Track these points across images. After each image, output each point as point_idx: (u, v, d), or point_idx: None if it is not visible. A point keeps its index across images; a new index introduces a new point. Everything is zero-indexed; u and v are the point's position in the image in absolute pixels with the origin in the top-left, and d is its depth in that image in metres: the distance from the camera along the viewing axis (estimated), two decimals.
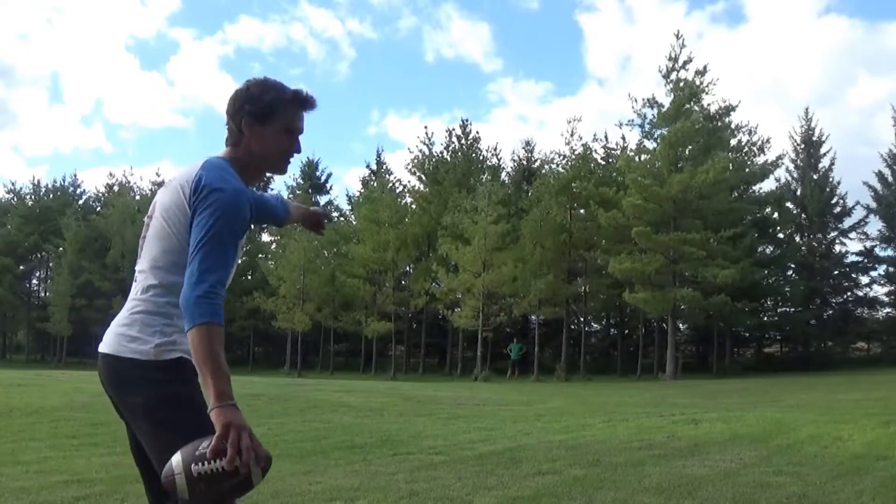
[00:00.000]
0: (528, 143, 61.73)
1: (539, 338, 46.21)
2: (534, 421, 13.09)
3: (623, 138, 48.40)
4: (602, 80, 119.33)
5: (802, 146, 50.46)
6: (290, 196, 62.16)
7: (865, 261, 49.47)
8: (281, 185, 74.78)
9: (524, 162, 59.85)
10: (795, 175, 50.53)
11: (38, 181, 71.04)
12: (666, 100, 40.65)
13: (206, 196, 2.71)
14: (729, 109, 42.67)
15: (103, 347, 2.90)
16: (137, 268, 2.96)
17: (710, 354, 48.78)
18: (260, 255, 61.00)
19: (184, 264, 2.68)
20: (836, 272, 49.97)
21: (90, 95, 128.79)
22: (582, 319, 52.40)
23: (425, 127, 70.14)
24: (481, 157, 56.35)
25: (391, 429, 11.50)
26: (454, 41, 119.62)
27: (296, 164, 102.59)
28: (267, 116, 2.95)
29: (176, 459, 2.53)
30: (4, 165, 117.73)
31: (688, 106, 39.87)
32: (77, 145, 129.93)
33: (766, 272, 46.25)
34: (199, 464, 2.50)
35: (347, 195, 65.69)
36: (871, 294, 50.37)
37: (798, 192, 50.02)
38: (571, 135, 45.72)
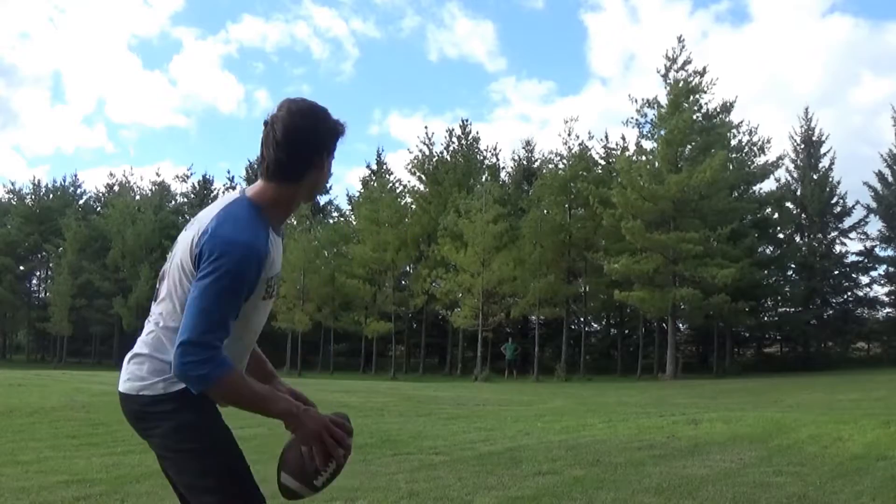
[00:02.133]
0: (528, 143, 61.80)
1: (539, 338, 46.20)
2: (534, 421, 13.08)
3: (623, 138, 48.40)
4: (606, 80, 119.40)
5: (802, 146, 50.44)
6: None
7: (865, 261, 49.43)
8: None
9: (524, 162, 59.91)
10: (795, 175, 50.51)
11: (39, 181, 70.97)
12: (665, 100, 40.65)
13: (209, 250, 2.61)
14: (727, 107, 42.71)
15: (120, 386, 2.85)
16: (153, 305, 2.86)
17: (711, 354, 48.76)
18: None
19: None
20: (836, 272, 49.92)
21: (92, 95, 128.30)
22: (582, 319, 52.43)
23: (425, 127, 70.25)
24: (481, 158, 56.37)
25: (391, 429, 11.50)
26: (458, 40, 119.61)
27: None
28: (334, 149, 2.88)
29: (294, 484, 2.80)
30: (6, 165, 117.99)
31: (686, 104, 39.87)
32: (79, 145, 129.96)
33: (766, 272, 46.28)
34: (318, 478, 2.78)
35: (347, 195, 65.77)
36: (872, 294, 50.39)
37: (798, 192, 49.99)
38: (569, 135, 45.76)
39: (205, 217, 2.75)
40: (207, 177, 68.46)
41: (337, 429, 2.77)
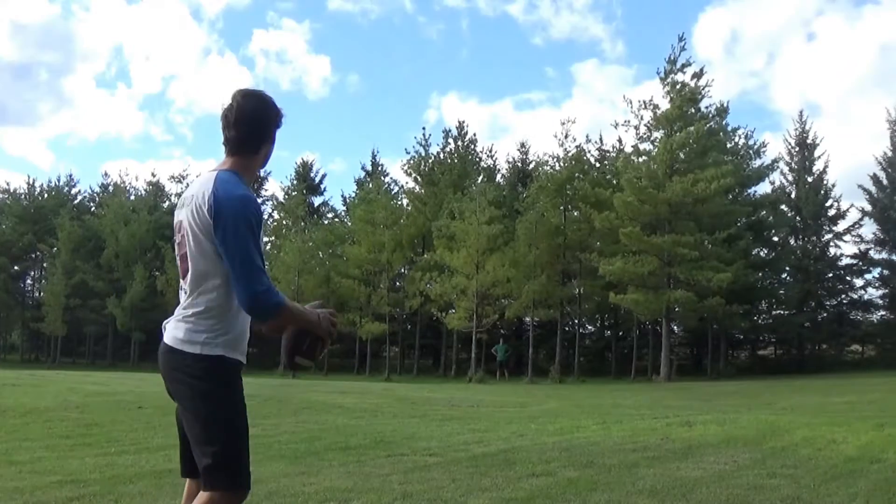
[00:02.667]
0: (522, 145, 61.89)
1: (533, 339, 46.16)
2: (528, 423, 13.09)
3: (619, 140, 48.41)
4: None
5: (797, 149, 50.57)
6: (286, 197, 62.20)
7: (860, 263, 49.51)
8: (275, 187, 75.08)
9: (519, 164, 60.00)
10: (790, 178, 50.62)
11: (33, 181, 70.83)
12: (663, 102, 40.58)
13: (222, 211, 3.24)
14: (723, 110, 42.74)
15: (165, 339, 3.45)
16: (183, 281, 3.44)
17: (705, 357, 48.78)
18: None
19: (220, 277, 3.31)
20: (830, 275, 49.98)
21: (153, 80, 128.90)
22: (576, 321, 52.38)
23: (423, 128, 70.28)
24: (477, 159, 56.43)
25: (385, 430, 11.50)
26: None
27: (290, 165, 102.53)
28: (279, 126, 3.62)
29: (306, 362, 3.66)
30: (57, 152, 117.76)
31: (686, 109, 39.79)
32: (134, 132, 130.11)
33: (760, 275, 46.31)
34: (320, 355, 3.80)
35: (343, 196, 65.77)
36: (866, 297, 50.47)
37: (793, 195, 50.09)
38: (566, 137, 45.71)
39: (199, 190, 3.37)
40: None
41: (333, 319, 3.63)
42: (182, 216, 3.41)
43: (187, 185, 68.81)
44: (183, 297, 3.42)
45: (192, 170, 68.70)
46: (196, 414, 3.33)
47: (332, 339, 3.69)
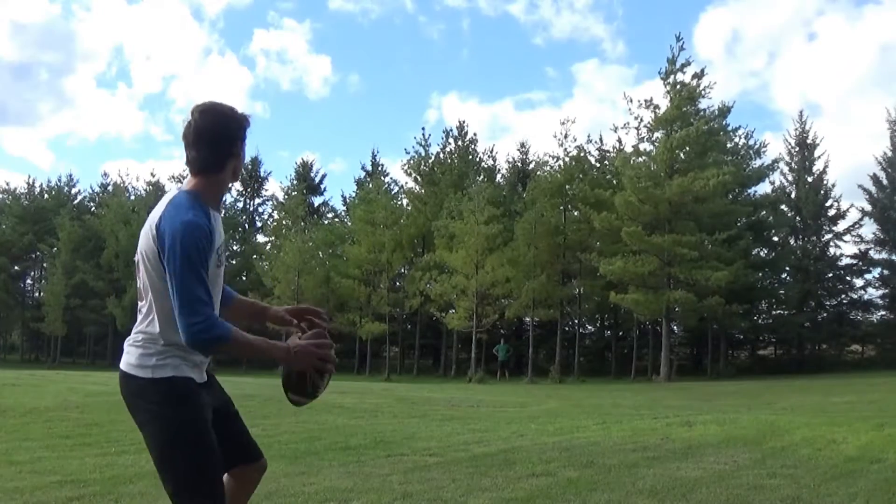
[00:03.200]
0: (522, 145, 61.89)
1: (533, 339, 46.15)
2: (528, 423, 13.09)
3: (619, 141, 48.39)
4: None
5: (797, 149, 50.55)
6: (286, 197, 62.18)
7: (860, 263, 49.48)
8: (275, 187, 75.06)
9: (518, 164, 60.01)
10: (790, 178, 50.61)
11: (34, 181, 70.88)
12: (663, 101, 40.54)
13: (164, 239, 3.11)
14: (725, 112, 42.68)
15: (121, 364, 3.36)
16: (139, 302, 3.36)
17: (705, 357, 48.81)
18: (254, 256, 60.99)
19: (169, 300, 3.13)
20: (830, 275, 49.94)
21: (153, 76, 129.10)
22: (576, 321, 52.38)
23: (422, 128, 70.28)
24: (478, 160, 56.43)
25: (385, 430, 11.50)
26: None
27: (290, 165, 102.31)
28: (245, 137, 3.42)
29: (301, 399, 3.63)
30: (59, 153, 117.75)
31: (686, 109, 39.78)
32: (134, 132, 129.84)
33: (760, 275, 46.31)
34: (318, 391, 3.63)
35: (343, 196, 65.82)
36: (866, 297, 50.42)
37: (793, 195, 50.08)
38: (565, 137, 45.69)
39: (154, 213, 3.25)
40: None
41: (323, 351, 3.42)
42: (140, 242, 3.29)
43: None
44: (138, 318, 3.33)
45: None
46: (154, 438, 3.24)
47: (326, 370, 3.49)
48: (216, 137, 3.29)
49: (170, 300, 3.10)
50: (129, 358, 3.28)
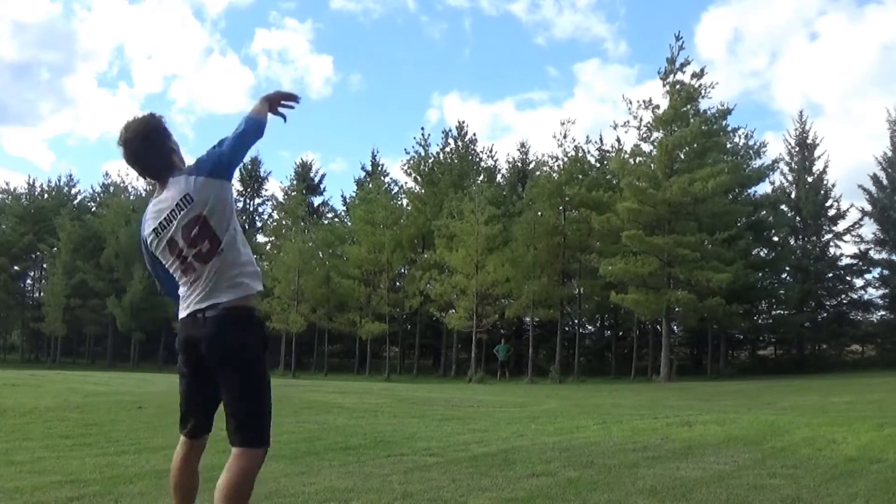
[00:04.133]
0: (522, 145, 61.93)
1: (533, 339, 46.16)
2: (528, 423, 13.08)
3: (618, 140, 48.33)
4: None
5: (797, 149, 50.56)
6: (286, 197, 62.19)
7: (860, 263, 49.47)
8: (275, 187, 75.08)
9: (518, 164, 60.05)
10: (790, 178, 50.63)
11: (34, 181, 70.85)
12: (663, 101, 40.48)
13: (222, 165, 4.11)
14: (725, 113, 42.63)
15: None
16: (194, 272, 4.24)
17: (705, 357, 48.82)
18: (254, 256, 60.87)
19: None
20: (830, 275, 49.94)
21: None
22: (576, 321, 52.41)
23: (422, 128, 70.26)
24: (477, 159, 56.42)
25: (385, 430, 11.49)
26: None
27: (290, 165, 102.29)
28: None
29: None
30: (60, 152, 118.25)
31: (685, 109, 39.74)
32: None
33: (760, 275, 46.31)
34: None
35: (342, 196, 65.79)
36: (866, 297, 50.38)
37: (793, 195, 50.08)
38: (564, 137, 45.65)
39: (184, 187, 4.10)
40: None
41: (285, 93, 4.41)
42: (185, 207, 4.12)
43: None
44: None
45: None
46: None
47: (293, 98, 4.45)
48: (158, 143, 4.14)
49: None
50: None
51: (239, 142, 4.07)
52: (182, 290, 4.20)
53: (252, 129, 4.13)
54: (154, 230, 4.12)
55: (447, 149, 55.72)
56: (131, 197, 65.69)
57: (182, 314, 4.17)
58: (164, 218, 4.07)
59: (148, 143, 4.10)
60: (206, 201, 4.00)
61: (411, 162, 55.02)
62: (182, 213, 4.01)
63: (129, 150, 4.10)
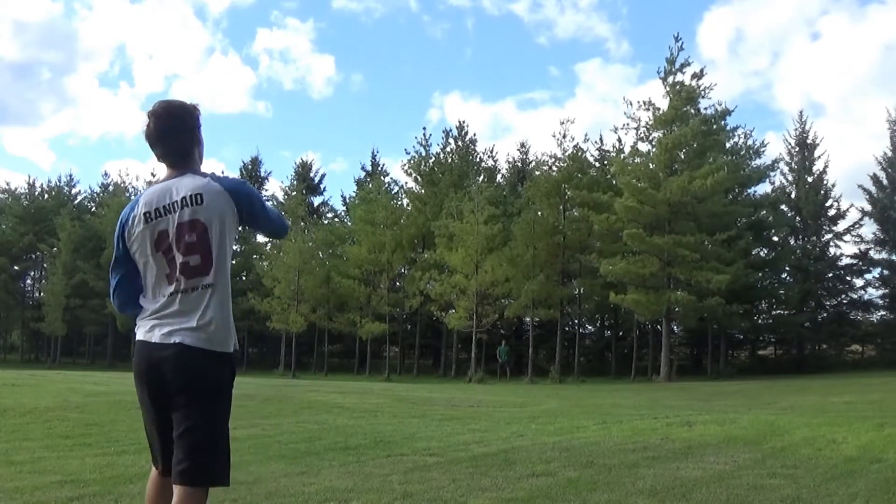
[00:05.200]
0: (522, 145, 61.94)
1: (533, 339, 46.15)
2: (528, 423, 13.08)
3: (619, 140, 48.28)
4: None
5: (797, 149, 50.57)
6: (286, 197, 62.18)
7: (860, 263, 49.50)
8: (275, 186, 75.13)
9: (518, 164, 60.08)
10: (790, 178, 50.63)
11: (34, 181, 70.83)
12: (663, 102, 40.48)
13: (250, 197, 3.85)
14: (725, 113, 42.60)
15: None
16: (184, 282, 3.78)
17: (705, 357, 48.83)
18: (254, 256, 60.81)
19: None
20: (830, 275, 49.95)
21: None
22: (576, 321, 52.40)
23: (423, 128, 70.24)
24: (477, 159, 56.45)
25: (385, 430, 11.49)
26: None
27: (290, 165, 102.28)
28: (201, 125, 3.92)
29: None
30: (59, 153, 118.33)
31: (685, 109, 39.74)
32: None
33: (760, 275, 46.29)
34: None
35: (342, 196, 65.75)
36: (866, 297, 50.44)
37: (793, 195, 50.08)
38: (563, 136, 45.61)
39: (198, 189, 3.73)
40: None
41: None
42: (193, 213, 3.73)
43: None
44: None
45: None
46: None
47: None
48: (185, 128, 3.79)
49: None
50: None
51: (272, 213, 4.03)
52: (150, 303, 3.70)
53: (282, 223, 4.16)
54: (146, 214, 3.66)
55: (447, 149, 55.77)
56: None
57: (145, 332, 3.67)
58: (165, 205, 3.64)
59: (180, 122, 3.76)
60: (215, 212, 3.62)
61: (412, 162, 55.06)
62: (186, 209, 3.60)
63: (158, 122, 3.71)
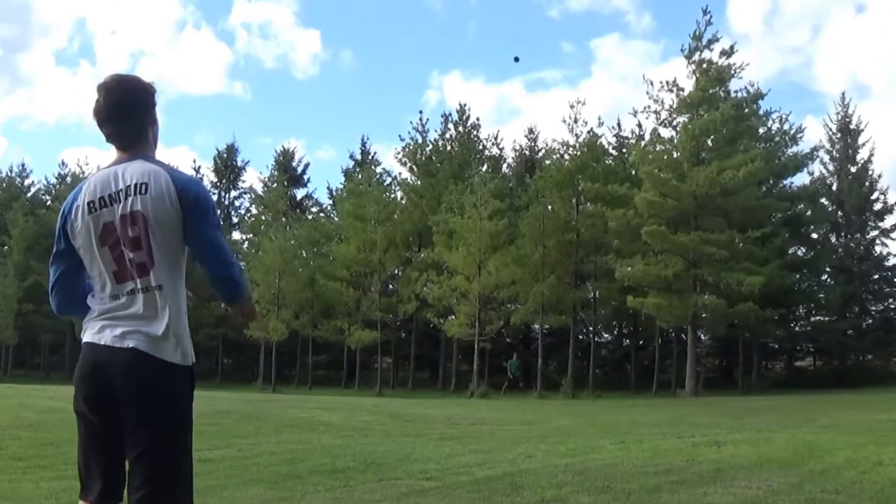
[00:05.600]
0: (531, 131, 61.81)
1: (543, 349, 46.15)
2: (537, 443, 13.09)
3: (639, 126, 48.25)
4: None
5: (839, 135, 50.47)
6: (265, 189, 62.12)
7: None
8: (253, 177, 75.10)
9: (527, 152, 59.98)
10: (831, 168, 50.57)
11: None
12: (688, 83, 40.44)
13: (199, 201, 3.59)
14: (758, 96, 42.59)
15: None
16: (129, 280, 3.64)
17: (735, 368, 48.81)
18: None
19: None
20: (876, 276, 49.93)
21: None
22: (591, 328, 52.34)
23: (419, 112, 70.23)
24: (480, 147, 56.36)
25: (377, 451, 11.50)
26: None
27: (270, 154, 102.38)
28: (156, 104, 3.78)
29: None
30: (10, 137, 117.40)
31: (714, 90, 39.72)
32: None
33: (797, 276, 46.23)
34: None
35: (329, 188, 65.69)
36: None
37: (834, 187, 50.02)
38: (575, 121, 45.55)
39: (140, 182, 3.57)
40: None
41: None
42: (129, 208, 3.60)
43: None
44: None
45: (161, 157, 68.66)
46: None
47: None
48: (139, 105, 3.63)
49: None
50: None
51: (222, 244, 3.62)
52: (99, 303, 3.57)
53: (227, 267, 3.61)
54: (90, 204, 3.51)
55: (447, 135, 55.83)
56: None
57: (94, 333, 3.53)
58: (110, 194, 3.49)
59: (133, 98, 3.58)
60: (159, 203, 3.44)
61: (406, 150, 55.10)
62: (130, 199, 3.45)
63: (109, 97, 3.53)
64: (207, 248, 3.54)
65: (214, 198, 66.70)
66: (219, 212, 3.77)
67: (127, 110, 3.58)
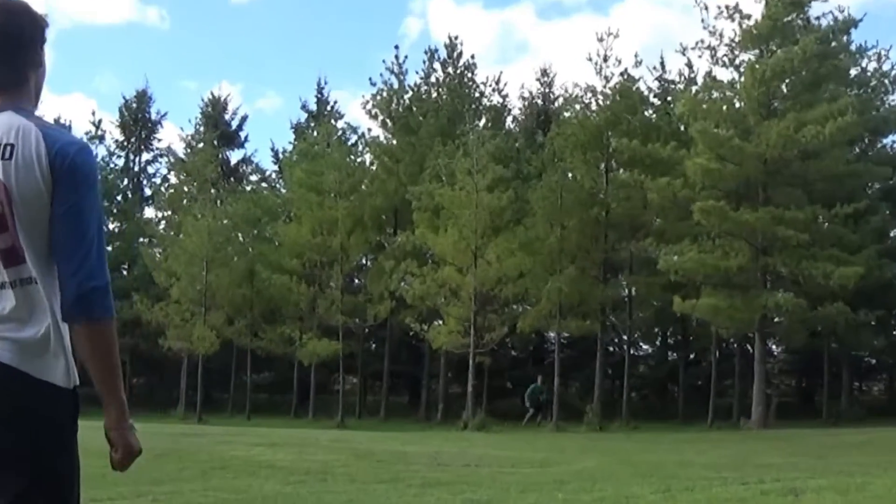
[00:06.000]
0: (545, 73, 61.74)
1: (560, 365, 46.07)
2: (552, 490, 13.13)
3: (690, 66, 48.24)
4: None
5: None
6: (187, 150, 61.94)
7: None
8: (172, 135, 74.96)
9: (539, 101, 59.93)
10: None
11: None
12: (756, 8, 40.36)
13: (75, 171, 3.35)
14: (849, 25, 42.61)
15: None
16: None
17: (818, 391, 48.99)
18: (141, 240, 60.13)
19: None
20: None
21: None
22: (625, 338, 52.40)
23: (395, 47, 69.91)
24: (476, 94, 56.19)
25: (338, 501, 11.51)
26: None
27: (195, 102, 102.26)
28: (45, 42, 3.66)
29: None
30: None
31: (789, 19, 39.66)
32: None
33: None
34: None
35: (273, 150, 65.57)
36: None
37: None
38: (605, 59, 45.47)
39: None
40: None
41: None
42: None
43: None
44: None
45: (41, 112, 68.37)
46: None
47: None
48: (16, 42, 3.46)
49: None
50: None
51: (92, 241, 3.31)
52: None
53: (90, 275, 3.25)
54: None
55: (432, 78, 55.70)
56: None
57: None
58: None
59: (17, 29, 3.44)
60: (26, 172, 3.25)
61: (378, 98, 54.93)
62: None
63: None
64: (68, 235, 3.24)
65: (120, 162, 66.87)
66: (101, 192, 3.56)
67: (7, 42, 3.41)
